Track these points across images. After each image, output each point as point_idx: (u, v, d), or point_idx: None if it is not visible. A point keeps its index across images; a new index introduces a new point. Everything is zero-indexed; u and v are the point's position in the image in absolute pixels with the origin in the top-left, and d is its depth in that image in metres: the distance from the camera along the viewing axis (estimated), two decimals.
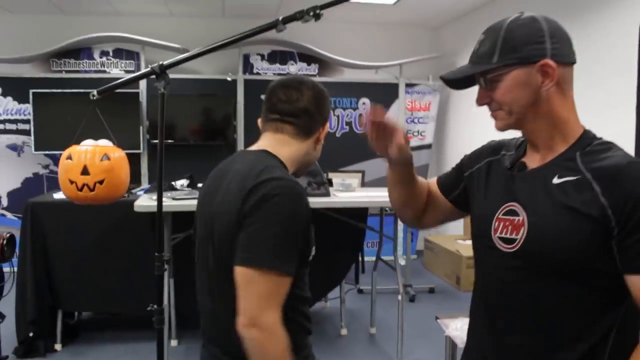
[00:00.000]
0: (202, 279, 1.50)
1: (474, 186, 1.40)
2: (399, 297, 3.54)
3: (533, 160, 1.25)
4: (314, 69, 6.57)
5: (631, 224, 1.07)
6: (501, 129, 1.26)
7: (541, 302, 1.18)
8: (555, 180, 1.16)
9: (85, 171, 3.41)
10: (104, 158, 3.45)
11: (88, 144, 3.55)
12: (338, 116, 6.46)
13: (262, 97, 2.19)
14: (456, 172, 1.50)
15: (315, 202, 3.23)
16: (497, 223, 1.25)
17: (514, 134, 1.33)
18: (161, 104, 1.74)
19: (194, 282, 1.54)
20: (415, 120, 6.79)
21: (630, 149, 1.93)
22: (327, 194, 3.47)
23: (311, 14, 1.74)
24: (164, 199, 3.17)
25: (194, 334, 3.42)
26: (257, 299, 1.28)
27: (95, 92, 1.77)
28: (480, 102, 1.25)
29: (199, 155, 5.83)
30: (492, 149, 1.42)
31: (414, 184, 1.47)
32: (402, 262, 5.75)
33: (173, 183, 3.64)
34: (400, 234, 6.36)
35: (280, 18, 1.74)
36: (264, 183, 1.33)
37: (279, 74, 6.48)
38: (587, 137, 1.20)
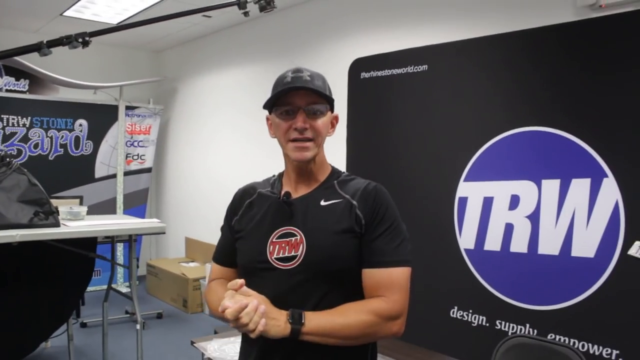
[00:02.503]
0: None
1: (242, 227, 1.52)
2: (138, 327, 3.43)
3: (296, 191, 1.49)
4: (23, 84, 5.95)
5: (372, 226, 1.40)
6: (308, 158, 1.44)
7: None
8: (323, 203, 1.45)
9: None
10: None
11: None
12: (52, 137, 5.93)
13: None
14: (225, 237, 1.60)
15: (45, 233, 3.00)
16: (271, 247, 1.42)
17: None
18: None
19: None
20: (136, 144, 6.63)
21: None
22: (57, 224, 3.21)
23: (80, 40, 1.66)
24: None
25: None
26: None
27: None
28: (302, 125, 1.40)
29: None
30: (245, 193, 1.59)
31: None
32: (124, 289, 5.56)
33: None
34: (121, 260, 6.15)
35: (45, 41, 1.62)
36: None
37: None
38: (335, 172, 1.54)
